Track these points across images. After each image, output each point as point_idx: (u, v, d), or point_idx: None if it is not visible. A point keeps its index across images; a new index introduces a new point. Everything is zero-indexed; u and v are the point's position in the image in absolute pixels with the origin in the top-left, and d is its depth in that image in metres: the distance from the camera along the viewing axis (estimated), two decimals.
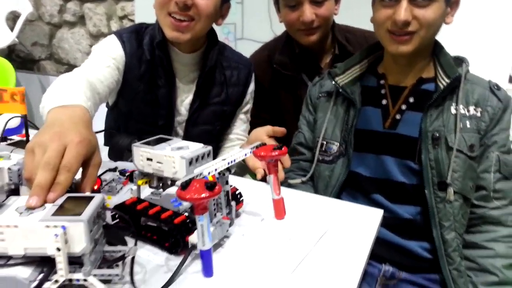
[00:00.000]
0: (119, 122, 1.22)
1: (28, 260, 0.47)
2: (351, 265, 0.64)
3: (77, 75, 0.98)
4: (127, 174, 0.88)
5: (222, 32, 2.34)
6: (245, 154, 0.68)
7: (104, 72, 1.06)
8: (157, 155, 0.66)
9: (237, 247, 0.67)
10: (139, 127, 1.17)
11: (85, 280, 0.47)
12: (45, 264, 0.48)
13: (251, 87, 1.30)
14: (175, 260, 0.62)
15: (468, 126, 0.96)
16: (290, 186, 1.08)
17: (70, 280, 0.47)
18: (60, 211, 0.48)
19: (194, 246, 0.60)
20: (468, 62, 1.02)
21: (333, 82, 1.07)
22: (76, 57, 2.89)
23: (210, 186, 0.53)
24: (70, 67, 2.95)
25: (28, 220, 0.46)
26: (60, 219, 0.46)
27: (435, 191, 0.95)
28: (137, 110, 1.18)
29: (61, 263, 0.45)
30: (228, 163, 0.64)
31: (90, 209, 0.48)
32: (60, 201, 0.50)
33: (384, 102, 1.05)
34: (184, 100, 1.21)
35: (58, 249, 0.45)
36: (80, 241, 0.46)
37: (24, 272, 0.46)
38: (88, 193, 0.56)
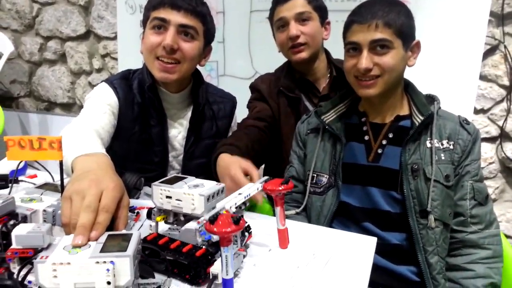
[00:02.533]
0: (115, 163, 1.28)
1: None
2: None
3: (82, 125, 1.04)
4: (136, 211, 0.93)
5: (205, 69, 2.44)
6: (257, 189, 0.76)
7: (103, 118, 1.13)
8: (177, 193, 0.72)
9: (252, 277, 0.73)
10: (136, 166, 1.23)
11: None
12: None
13: (235, 118, 1.42)
14: None
15: (443, 158, 1.07)
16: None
17: None
18: (106, 248, 0.53)
19: (215, 276, 0.65)
20: (439, 99, 1.14)
21: (320, 119, 1.17)
22: (56, 94, 2.91)
23: (236, 220, 0.59)
24: (50, 104, 2.96)
25: (79, 257, 0.51)
26: (108, 255, 0.51)
27: (418, 218, 1.04)
28: (134, 150, 1.24)
29: None
30: (245, 197, 0.71)
31: (132, 245, 0.53)
32: (102, 239, 0.56)
33: (366, 138, 1.15)
34: (177, 136, 1.28)
35: (109, 283, 0.50)
36: (125, 275, 0.51)
37: None
38: (124, 231, 0.61)
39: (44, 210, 0.64)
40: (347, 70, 1.11)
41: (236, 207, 0.69)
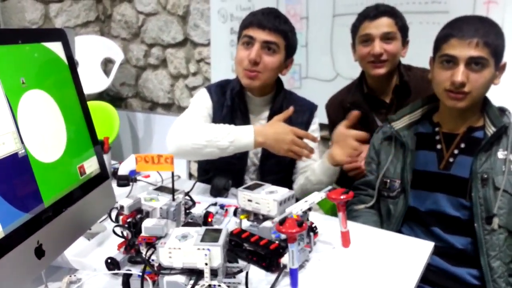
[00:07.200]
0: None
1: (182, 271, 0.73)
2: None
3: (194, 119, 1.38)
4: (225, 208, 1.14)
5: (288, 72, 2.60)
6: (321, 197, 0.91)
7: (201, 119, 1.41)
8: (256, 197, 0.91)
9: (316, 269, 0.89)
10: (222, 159, 1.41)
11: (219, 285, 0.72)
12: (192, 274, 0.73)
13: (312, 127, 1.53)
14: (271, 276, 0.85)
15: None
16: (352, 217, 1.27)
17: (210, 285, 0.72)
18: (204, 238, 0.74)
19: (285, 266, 0.83)
20: (509, 112, 1.18)
21: (389, 125, 1.27)
22: (159, 95, 3.30)
23: (299, 223, 0.76)
24: (153, 104, 3.36)
25: (186, 244, 0.72)
26: (206, 244, 0.71)
27: (483, 224, 1.11)
28: None
29: (207, 273, 0.70)
30: (309, 204, 0.88)
31: (222, 238, 0.73)
32: (201, 231, 0.76)
33: (438, 146, 1.22)
34: None
35: (206, 264, 0.70)
36: (217, 259, 0.71)
37: (182, 279, 0.72)
38: (216, 226, 0.81)
39: (161, 208, 0.87)
40: (438, 82, 1.16)
41: (302, 212, 0.86)
